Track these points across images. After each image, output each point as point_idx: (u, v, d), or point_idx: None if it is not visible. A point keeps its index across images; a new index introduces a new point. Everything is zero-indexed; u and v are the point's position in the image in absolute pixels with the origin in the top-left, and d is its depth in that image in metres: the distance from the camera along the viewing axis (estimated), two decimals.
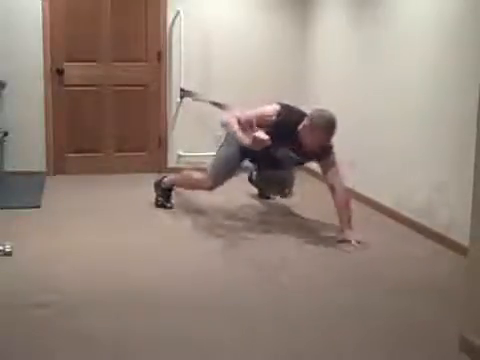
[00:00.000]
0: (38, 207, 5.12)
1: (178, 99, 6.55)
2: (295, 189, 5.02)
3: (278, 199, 5.25)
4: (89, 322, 3.06)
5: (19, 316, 3.11)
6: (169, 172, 5.76)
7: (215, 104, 6.06)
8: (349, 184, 4.93)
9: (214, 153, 4.94)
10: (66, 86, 6.36)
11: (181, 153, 6.64)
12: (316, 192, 5.40)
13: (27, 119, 6.25)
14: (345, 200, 4.44)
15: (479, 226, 2.78)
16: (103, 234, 4.48)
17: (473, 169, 2.81)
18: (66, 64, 6.33)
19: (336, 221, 4.44)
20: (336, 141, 4.46)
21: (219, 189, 4.82)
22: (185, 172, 5.19)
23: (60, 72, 6.31)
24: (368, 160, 5.34)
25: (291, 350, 2.85)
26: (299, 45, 6.76)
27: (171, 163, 6.63)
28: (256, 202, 5.48)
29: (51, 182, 6.04)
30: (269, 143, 4.32)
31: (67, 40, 6.30)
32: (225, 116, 4.77)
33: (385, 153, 5.10)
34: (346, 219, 4.37)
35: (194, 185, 5.00)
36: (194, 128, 6.54)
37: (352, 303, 3.36)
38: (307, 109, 4.57)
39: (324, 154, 4.46)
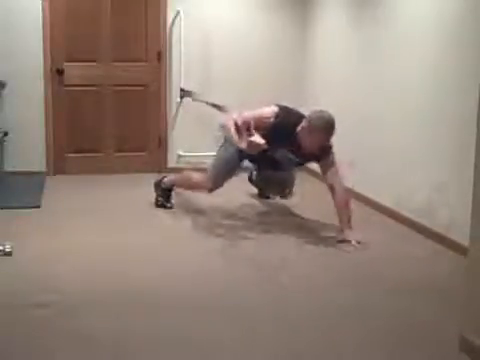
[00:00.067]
0: (38, 207, 5.12)
1: (178, 99, 6.55)
2: (295, 189, 5.02)
3: (278, 199, 5.25)
4: (89, 322, 3.06)
5: (19, 316, 3.11)
6: (169, 172, 5.76)
7: (214, 106, 6.07)
8: (349, 184, 4.93)
9: (214, 153, 4.94)
10: (66, 86, 6.35)
11: (181, 153, 6.64)
12: (316, 192, 5.40)
13: (27, 119, 6.25)
14: (345, 200, 4.44)
15: (479, 226, 2.78)
16: (103, 234, 4.48)
17: (473, 169, 2.81)
18: (66, 64, 6.32)
19: (336, 221, 4.44)
20: (336, 141, 4.46)
21: (219, 189, 4.82)
22: (185, 172, 5.19)
23: (60, 72, 6.31)
24: (368, 160, 5.34)
25: (291, 350, 2.85)
26: (299, 45, 6.76)
27: (171, 163, 6.63)
28: (256, 202, 5.48)
29: (51, 182, 6.04)
30: (265, 147, 4.32)
31: (67, 40, 6.30)
32: (223, 118, 4.77)
33: (385, 153, 5.10)
34: (346, 219, 4.37)
35: (193, 186, 5.01)
36: (194, 128, 6.53)
37: (352, 303, 3.36)
38: (305, 111, 4.56)
39: (323, 154, 4.46)
